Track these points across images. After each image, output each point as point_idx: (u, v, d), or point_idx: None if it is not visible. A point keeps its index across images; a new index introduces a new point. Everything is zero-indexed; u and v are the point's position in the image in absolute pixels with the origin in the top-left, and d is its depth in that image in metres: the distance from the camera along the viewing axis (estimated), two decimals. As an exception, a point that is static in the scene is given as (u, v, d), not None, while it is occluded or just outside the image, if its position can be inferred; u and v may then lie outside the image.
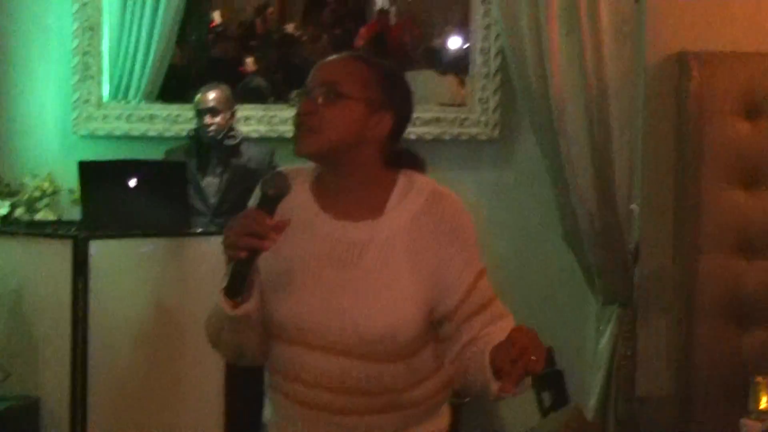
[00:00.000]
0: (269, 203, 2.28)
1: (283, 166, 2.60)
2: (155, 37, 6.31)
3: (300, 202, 2.43)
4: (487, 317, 2.36)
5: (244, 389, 5.06)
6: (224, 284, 2.30)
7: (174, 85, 6.74)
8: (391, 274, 2.34)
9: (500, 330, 2.24)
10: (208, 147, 5.70)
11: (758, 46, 4.28)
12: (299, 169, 2.49)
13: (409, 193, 2.42)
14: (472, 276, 2.37)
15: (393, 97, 2.43)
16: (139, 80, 6.37)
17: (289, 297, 2.39)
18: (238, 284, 2.26)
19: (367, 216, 2.40)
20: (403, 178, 2.44)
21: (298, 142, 2.37)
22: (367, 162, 2.41)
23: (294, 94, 2.43)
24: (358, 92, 2.37)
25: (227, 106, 5.70)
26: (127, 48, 6.32)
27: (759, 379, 3.62)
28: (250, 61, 8.01)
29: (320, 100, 2.35)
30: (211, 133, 5.64)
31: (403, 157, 2.49)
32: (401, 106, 2.46)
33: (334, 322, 2.34)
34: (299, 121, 2.38)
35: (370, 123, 2.39)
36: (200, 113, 5.65)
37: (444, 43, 7.19)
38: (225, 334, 2.40)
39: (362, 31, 7.90)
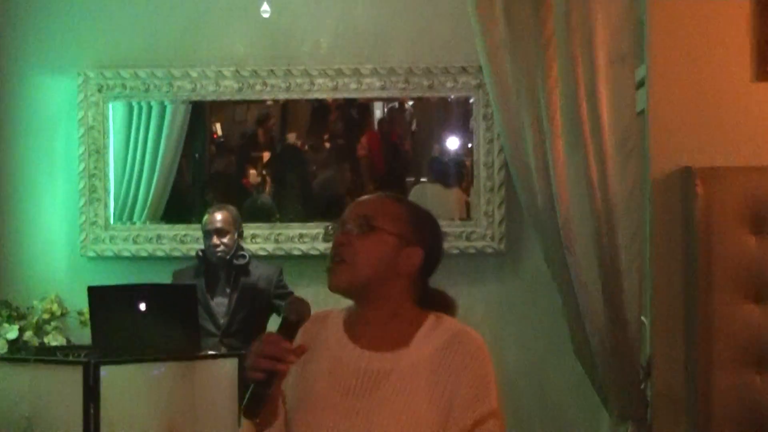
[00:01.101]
0: (290, 328, 2.38)
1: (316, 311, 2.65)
2: (160, 156, 6.39)
3: (331, 333, 2.53)
4: None
5: None
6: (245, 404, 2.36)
7: (178, 203, 6.78)
8: (409, 404, 2.37)
9: None
10: (216, 267, 5.72)
11: (762, 160, 4.31)
12: (333, 309, 2.59)
13: (435, 330, 2.48)
14: (479, 413, 2.40)
15: (423, 233, 2.54)
16: (144, 201, 6.42)
17: (307, 421, 2.43)
18: (255, 405, 2.32)
19: (393, 348, 2.46)
20: (432, 318, 2.52)
21: (332, 275, 2.47)
22: (397, 295, 2.49)
23: (329, 227, 2.56)
24: (391, 226, 2.47)
25: (234, 226, 5.74)
26: (132, 169, 6.38)
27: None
28: (253, 173, 8.04)
29: (354, 232, 2.45)
30: (219, 254, 5.66)
31: (434, 298, 2.57)
32: (431, 243, 2.55)
33: None
34: (333, 253, 2.48)
35: (401, 256, 2.48)
36: (208, 234, 5.69)
37: (447, 154, 7.23)
38: None
39: (363, 140, 7.93)
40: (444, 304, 2.59)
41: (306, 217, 6.51)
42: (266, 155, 8.05)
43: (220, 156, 8.00)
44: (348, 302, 2.58)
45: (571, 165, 4.44)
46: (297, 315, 2.40)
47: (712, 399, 4.17)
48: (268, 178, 7.89)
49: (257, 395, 2.31)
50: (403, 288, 2.50)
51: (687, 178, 4.30)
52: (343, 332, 2.52)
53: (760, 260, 4.21)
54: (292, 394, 2.48)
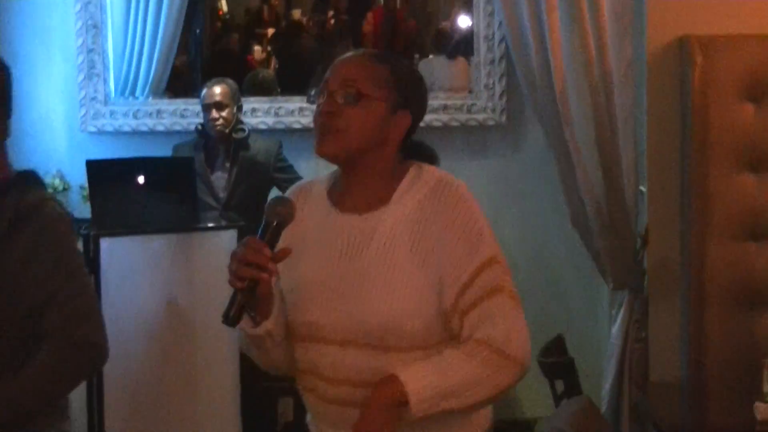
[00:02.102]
0: (272, 231, 2.31)
1: (302, 181, 2.65)
2: (160, 32, 6.33)
3: (316, 204, 2.49)
4: (482, 313, 2.34)
5: (257, 384, 5.10)
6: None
7: (181, 79, 6.76)
8: (393, 264, 2.35)
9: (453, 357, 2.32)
10: (215, 141, 5.72)
11: (761, 28, 4.26)
12: (317, 179, 2.55)
13: (416, 183, 2.42)
14: (475, 264, 2.35)
15: (411, 95, 2.46)
16: (146, 76, 6.39)
17: (301, 295, 2.43)
18: (236, 313, 2.27)
19: (375, 207, 2.42)
20: (413, 170, 2.46)
21: (320, 143, 2.39)
22: (383, 159, 2.44)
23: (312, 91, 2.47)
24: (379, 93, 2.41)
25: (233, 100, 5.71)
26: (132, 44, 6.34)
27: (770, 361, 3.63)
28: (258, 50, 8.01)
29: (341, 100, 2.38)
30: (218, 128, 5.65)
31: (415, 150, 2.52)
32: (418, 104, 2.49)
33: (341, 314, 2.36)
34: (321, 121, 2.40)
35: (391, 123, 2.42)
36: (207, 108, 5.67)
37: (451, 26, 7.17)
38: (254, 352, 2.46)
39: (369, 16, 7.88)
40: (425, 154, 2.54)
41: (306, 91, 6.46)
42: (270, 32, 8.02)
43: (225, 32, 7.98)
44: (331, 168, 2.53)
45: (567, 37, 4.41)
46: (278, 217, 2.31)
47: (706, 268, 4.19)
48: (272, 55, 7.87)
49: (238, 303, 2.26)
50: (390, 150, 2.45)
51: (684, 48, 4.25)
52: (327, 200, 2.48)
53: (758, 129, 4.19)
54: (285, 272, 2.43)
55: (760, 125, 4.19)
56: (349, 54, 2.51)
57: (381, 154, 2.43)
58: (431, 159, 2.54)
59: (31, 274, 2.79)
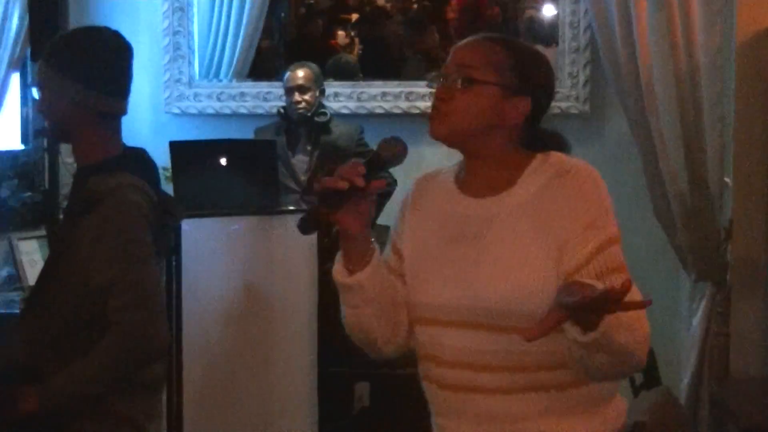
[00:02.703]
0: (376, 161, 2.30)
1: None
2: (245, 15, 6.38)
3: (441, 189, 2.47)
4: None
5: (335, 372, 5.12)
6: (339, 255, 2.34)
7: (264, 62, 6.79)
8: (515, 245, 2.30)
9: None
10: (297, 124, 5.74)
11: None
12: (446, 167, 2.51)
13: (542, 167, 2.37)
14: (597, 241, 2.26)
15: (530, 80, 2.40)
16: (230, 59, 6.43)
17: (421, 277, 2.42)
18: (310, 219, 2.27)
19: (498, 191, 2.38)
20: (541, 156, 2.40)
21: (431, 125, 2.37)
22: (500, 146, 2.39)
23: (430, 76, 2.43)
24: (493, 77, 2.36)
25: (316, 83, 5.73)
26: (217, 27, 6.39)
27: None
28: (341, 35, 8.02)
29: (455, 85, 2.34)
30: (300, 111, 5.67)
31: (546, 140, 2.44)
32: (540, 89, 2.42)
33: (462, 295, 2.33)
34: (433, 105, 2.38)
35: (505, 108, 2.37)
36: (289, 91, 5.69)
37: (537, 14, 7.12)
38: (345, 310, 2.42)
39: (453, 2, 7.85)
40: (556, 144, 2.44)
41: (389, 76, 6.46)
42: (354, 16, 8.03)
43: (309, 17, 8.00)
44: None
45: (653, 25, 4.36)
46: (388, 152, 2.30)
47: (792, 262, 4.13)
48: (356, 39, 7.88)
49: (312, 210, 2.27)
50: (507, 137, 2.39)
51: (774, 38, 4.20)
52: (453, 185, 2.45)
53: None
54: (408, 253, 2.44)
55: None
56: (468, 38, 2.45)
57: (498, 138, 2.38)
58: (561, 147, 2.45)
59: (97, 257, 2.81)
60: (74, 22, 5.44)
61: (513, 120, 2.37)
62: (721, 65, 4.32)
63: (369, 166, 2.28)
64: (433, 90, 2.39)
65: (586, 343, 2.09)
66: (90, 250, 2.83)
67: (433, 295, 2.38)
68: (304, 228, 2.28)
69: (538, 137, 2.44)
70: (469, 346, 2.32)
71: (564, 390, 2.32)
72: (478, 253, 2.33)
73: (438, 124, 2.36)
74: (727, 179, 4.42)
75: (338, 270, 2.37)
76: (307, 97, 5.67)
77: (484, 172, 2.41)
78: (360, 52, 7.77)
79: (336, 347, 5.35)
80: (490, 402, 2.32)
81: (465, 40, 2.44)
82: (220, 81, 6.39)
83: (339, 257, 2.37)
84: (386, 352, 2.48)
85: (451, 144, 2.40)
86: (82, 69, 2.92)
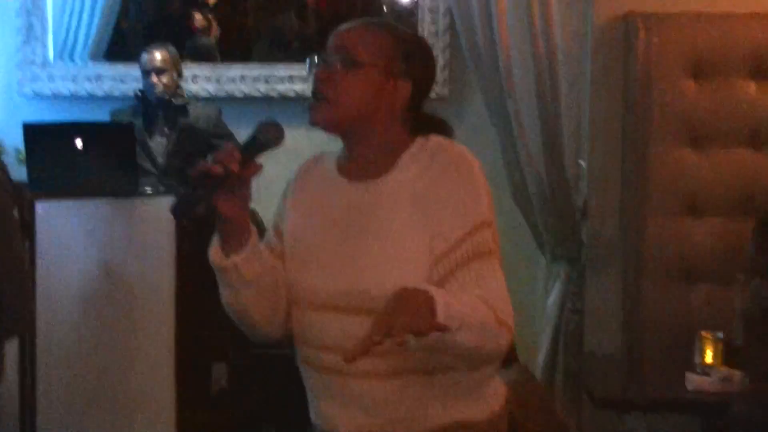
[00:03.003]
0: (253, 146, 2.24)
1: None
2: (101, -5, 6.27)
3: (324, 175, 2.43)
4: (473, 273, 2.23)
5: (193, 354, 5.08)
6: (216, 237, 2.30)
7: (121, 44, 6.68)
8: (393, 230, 2.29)
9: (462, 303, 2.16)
10: (155, 107, 5.68)
11: (705, 6, 4.31)
12: (332, 151, 2.47)
13: (422, 150, 2.35)
14: (467, 226, 2.25)
15: (412, 64, 2.36)
16: (86, 39, 6.31)
17: (300, 261, 2.39)
18: (183, 205, 2.23)
19: (378, 175, 2.36)
20: (420, 140, 2.37)
21: (312, 112, 2.33)
22: (383, 129, 2.36)
23: (310, 60, 2.37)
24: (375, 60, 2.33)
25: (174, 65, 5.67)
26: (72, 7, 6.26)
27: (704, 334, 3.70)
28: (198, 17, 7.93)
29: (336, 67, 2.31)
30: (158, 93, 5.61)
31: (428, 124, 2.42)
32: (421, 74, 2.39)
33: (340, 281, 2.31)
34: (314, 89, 2.34)
35: (387, 91, 2.34)
36: (146, 73, 5.62)
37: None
38: (224, 292, 2.38)
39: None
40: (438, 129, 2.41)
41: (248, 59, 6.43)
42: (212, -1, 7.96)
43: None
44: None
45: (513, 10, 4.42)
46: (265, 135, 2.24)
47: (644, 242, 4.25)
48: (213, 22, 7.80)
49: (186, 195, 2.21)
50: (390, 120, 2.36)
51: (629, 24, 4.29)
52: (335, 171, 2.42)
53: (699, 106, 4.25)
54: (288, 236, 2.42)
55: (701, 102, 4.25)
56: (350, 22, 2.42)
57: (379, 123, 2.35)
58: (444, 131, 2.43)
59: None
60: None
61: (395, 103, 2.34)
62: (578, 49, 4.40)
63: (246, 151, 2.24)
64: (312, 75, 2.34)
65: (420, 347, 2.11)
66: None
67: (311, 279, 2.36)
68: (178, 213, 2.24)
69: (420, 122, 2.41)
70: (346, 330, 2.29)
71: (442, 373, 2.31)
72: (356, 239, 2.32)
73: (321, 109, 2.32)
74: (581, 161, 4.51)
75: (214, 252, 2.32)
76: (164, 79, 5.61)
77: (365, 156, 2.38)
78: (217, 34, 7.71)
79: (195, 329, 5.34)
80: (368, 386, 2.31)
81: (346, 24, 2.41)
82: (76, 63, 6.27)
83: (215, 239, 2.33)
84: (267, 334, 2.45)
85: (332, 131, 2.36)
86: None
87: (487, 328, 2.18)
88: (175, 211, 2.24)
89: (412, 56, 2.38)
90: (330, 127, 2.35)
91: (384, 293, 2.21)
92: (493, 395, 2.42)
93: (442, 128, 2.43)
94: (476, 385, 2.37)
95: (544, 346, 4.59)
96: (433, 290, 2.12)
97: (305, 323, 2.38)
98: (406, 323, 2.02)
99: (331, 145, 2.50)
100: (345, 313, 2.31)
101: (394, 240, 2.28)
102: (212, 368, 5.67)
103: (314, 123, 2.33)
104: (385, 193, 2.33)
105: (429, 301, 2.09)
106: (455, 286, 2.22)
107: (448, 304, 2.10)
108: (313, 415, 2.45)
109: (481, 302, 2.19)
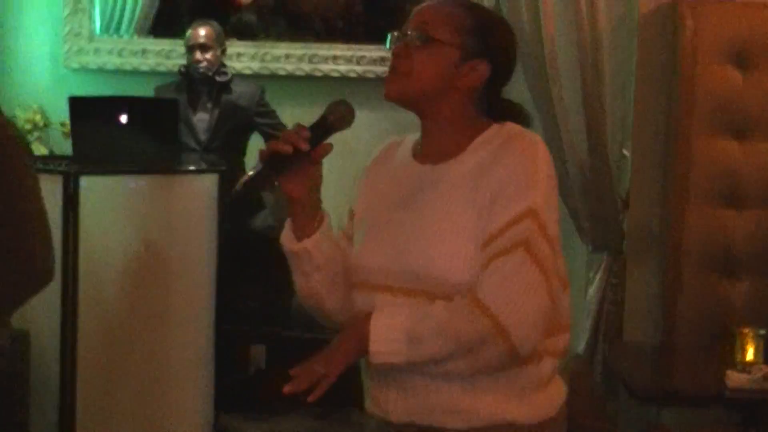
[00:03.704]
0: (321, 126, 2.25)
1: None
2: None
3: (400, 156, 2.43)
4: (501, 268, 2.17)
5: (231, 332, 5.11)
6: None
7: (166, 17, 6.70)
8: (449, 213, 2.26)
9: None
10: (198, 83, 5.70)
11: (752, -5, 4.27)
12: (410, 134, 2.46)
13: (495, 136, 2.31)
14: (516, 210, 2.19)
15: (491, 43, 2.33)
16: (132, 14, 6.34)
17: (361, 240, 2.38)
18: (250, 183, 2.23)
19: (447, 158, 2.33)
20: (495, 127, 2.33)
21: (386, 86, 2.32)
22: (457, 110, 2.33)
23: (390, 35, 2.37)
24: (452, 37, 2.30)
25: (218, 42, 5.69)
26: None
27: (745, 330, 3.62)
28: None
29: (413, 42, 2.30)
30: (201, 70, 5.63)
31: (506, 110, 2.38)
32: (500, 53, 2.35)
33: (392, 260, 2.29)
34: (391, 64, 2.34)
35: (463, 70, 2.30)
36: (191, 49, 5.65)
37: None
38: (296, 277, 2.38)
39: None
40: (516, 115, 2.38)
41: (293, 37, 6.44)
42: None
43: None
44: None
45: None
46: (334, 116, 2.24)
47: (685, 233, 4.21)
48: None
49: (255, 175, 2.21)
50: (464, 101, 2.32)
51: (674, 12, 4.25)
52: (409, 152, 2.41)
53: (743, 96, 4.20)
54: (357, 217, 2.42)
55: (745, 92, 4.20)
56: (430, 0, 2.40)
57: (454, 103, 2.32)
58: (522, 118, 2.39)
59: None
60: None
61: (471, 83, 2.31)
62: (623, 36, 4.37)
63: (314, 130, 2.23)
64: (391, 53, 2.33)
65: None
66: None
67: (368, 258, 2.34)
68: (240, 188, 2.24)
69: (499, 106, 2.38)
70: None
71: (487, 375, 2.26)
72: (413, 219, 2.29)
73: (393, 83, 2.31)
74: (625, 151, 4.49)
75: (286, 236, 2.33)
76: (208, 56, 5.63)
77: (438, 136, 2.36)
78: (259, 9, 7.71)
79: (235, 309, 5.37)
80: (420, 376, 2.26)
81: (428, 2, 2.39)
82: (122, 37, 6.29)
83: (288, 223, 2.33)
84: (340, 319, 2.41)
85: (405, 105, 2.34)
86: None
87: (466, 340, 2.17)
88: (240, 191, 2.24)
89: (492, 36, 2.34)
90: (402, 100, 2.33)
91: (433, 274, 2.23)
92: (546, 400, 2.35)
93: (521, 115, 2.40)
94: (529, 387, 2.29)
95: (584, 336, 4.57)
96: (376, 315, 2.22)
97: (361, 304, 2.35)
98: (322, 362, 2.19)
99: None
100: (397, 294, 2.28)
101: (446, 223, 2.25)
102: (250, 349, 5.71)
103: (387, 95, 2.32)
104: (449, 176, 2.30)
105: (361, 339, 2.21)
106: (484, 276, 2.18)
107: (389, 327, 2.19)
108: (367, 402, 2.43)
109: (472, 308, 2.17)
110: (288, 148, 2.20)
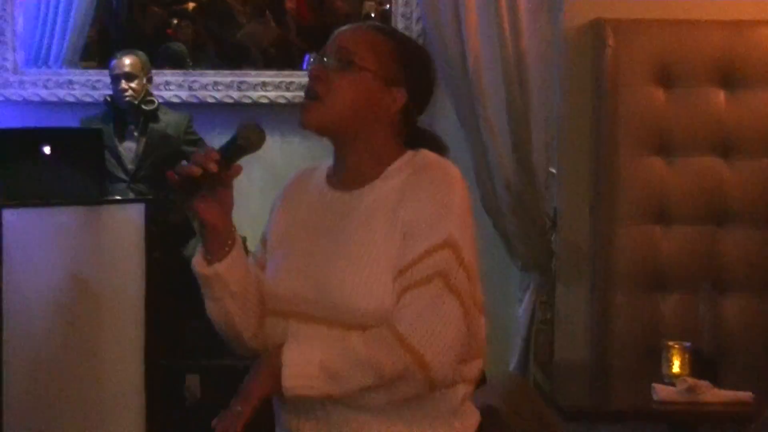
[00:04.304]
0: (231, 148, 2.21)
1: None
2: (75, 1, 6.22)
3: (314, 184, 2.40)
4: (419, 299, 2.16)
5: (164, 363, 5.05)
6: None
7: (97, 49, 6.66)
8: (366, 241, 2.23)
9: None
10: (125, 113, 5.65)
11: (672, 13, 4.30)
12: (324, 162, 2.44)
13: (409, 163, 2.29)
14: (431, 241, 2.17)
15: (410, 73, 2.32)
16: (60, 45, 6.27)
17: (276, 267, 2.35)
18: (160, 210, 2.22)
19: (362, 184, 2.31)
20: (409, 154, 2.32)
21: (303, 111, 2.29)
22: (376, 136, 2.31)
23: (308, 57, 2.33)
24: (372, 64, 2.28)
25: (143, 71, 5.65)
26: (46, 12, 6.22)
27: (671, 343, 3.68)
28: (177, 24, 7.91)
29: (332, 66, 2.27)
30: (127, 99, 5.58)
31: (422, 139, 2.36)
32: (418, 82, 2.34)
33: (309, 287, 2.26)
34: (308, 87, 2.30)
35: (381, 98, 2.29)
36: (116, 78, 5.60)
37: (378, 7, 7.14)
38: (207, 302, 2.33)
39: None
40: (431, 144, 2.35)
41: (221, 65, 6.40)
42: (192, 5, 7.94)
43: (145, 4, 7.87)
44: None
45: (482, 15, 4.40)
46: (244, 140, 2.20)
47: (614, 251, 4.23)
48: (192, 29, 7.78)
49: (163, 200, 2.23)
50: (383, 128, 2.30)
51: (598, 30, 4.27)
52: (324, 180, 2.39)
53: (667, 113, 4.24)
54: (270, 244, 2.39)
55: (669, 109, 4.24)
56: (352, 24, 2.39)
57: (370, 130, 2.30)
58: (437, 147, 2.36)
59: None
60: None
61: (388, 111, 2.30)
62: (548, 55, 4.38)
63: (225, 153, 2.20)
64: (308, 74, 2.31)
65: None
66: None
67: (283, 285, 2.31)
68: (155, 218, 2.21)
69: (414, 135, 2.36)
70: (309, 340, 2.25)
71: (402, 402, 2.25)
72: (328, 247, 2.27)
73: (310, 110, 2.28)
74: (552, 169, 4.49)
75: (197, 261, 2.29)
76: (134, 84, 5.59)
77: (352, 164, 2.33)
78: (194, 40, 7.70)
79: (167, 339, 5.30)
80: (331, 404, 2.24)
81: (349, 25, 2.38)
82: (50, 68, 6.23)
83: (199, 247, 2.29)
84: (253, 346, 2.36)
85: (321, 133, 2.32)
86: None
87: (387, 374, 2.15)
88: (152, 216, 2.21)
89: (412, 65, 2.33)
90: (319, 128, 2.31)
91: (350, 303, 2.21)
92: (461, 425, 2.32)
93: (436, 144, 2.38)
94: (443, 414, 2.27)
95: (514, 356, 4.56)
96: (289, 349, 2.20)
97: (274, 332, 2.32)
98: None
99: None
100: (312, 322, 2.25)
101: (362, 252, 2.23)
102: (185, 380, 5.64)
103: (305, 124, 2.30)
104: (363, 204, 2.29)
105: (274, 373, 2.19)
106: (401, 307, 2.17)
107: (303, 362, 2.18)
108: (277, 428, 2.40)
109: (388, 337, 2.15)
110: (197, 170, 2.16)
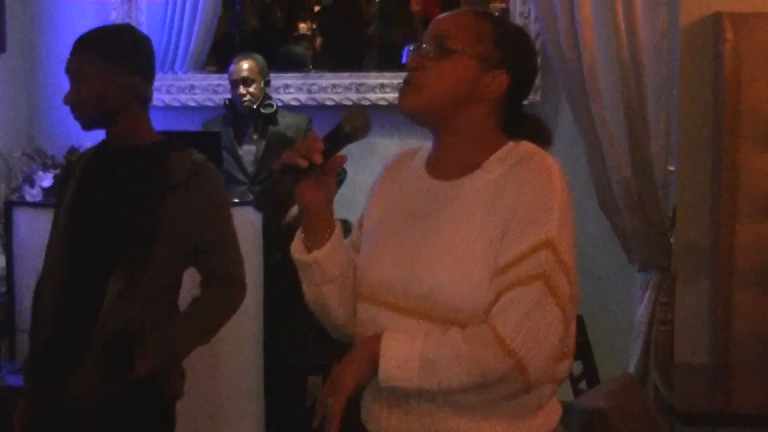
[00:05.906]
0: (336, 136, 2.22)
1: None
2: (200, 5, 6.31)
3: (413, 168, 2.37)
4: (517, 302, 2.11)
5: (286, 363, 5.06)
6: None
7: (221, 53, 6.75)
8: (463, 233, 2.19)
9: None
10: (244, 116, 5.71)
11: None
12: (425, 145, 2.39)
13: (510, 154, 2.24)
14: (531, 240, 2.12)
15: (510, 54, 2.26)
16: (185, 50, 6.37)
17: (369, 253, 2.34)
18: (266, 197, 2.24)
19: (462, 174, 2.27)
20: (511, 144, 2.26)
21: (400, 98, 2.27)
22: (477, 122, 2.26)
23: (410, 47, 2.30)
24: (470, 47, 2.24)
25: (261, 75, 5.70)
26: (172, 18, 6.32)
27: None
28: (303, 27, 7.99)
29: (428, 54, 2.24)
30: (245, 103, 5.64)
31: (525, 125, 2.31)
32: (520, 65, 2.28)
33: (400, 276, 2.23)
34: (406, 76, 2.27)
35: (482, 82, 2.24)
36: (234, 83, 5.67)
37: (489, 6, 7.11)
38: (305, 287, 2.34)
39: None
40: (535, 132, 2.29)
41: (339, 68, 6.43)
42: (317, 7, 8.02)
43: (270, 7, 7.97)
44: None
45: (597, 11, 4.34)
46: (349, 126, 2.21)
47: (734, 249, 4.14)
48: (317, 31, 7.85)
49: (270, 187, 2.24)
50: (483, 114, 2.25)
51: (716, 25, 4.18)
52: (423, 165, 2.35)
53: (790, 108, 4.12)
54: (366, 228, 2.39)
55: (791, 104, 4.11)
56: (449, 12, 2.35)
57: (470, 115, 2.25)
58: (540, 133, 2.30)
59: (203, 219, 3.12)
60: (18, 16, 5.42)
61: (488, 95, 2.24)
62: (664, 52, 4.30)
63: (330, 140, 2.21)
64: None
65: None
66: (197, 212, 3.10)
67: (374, 271, 2.29)
68: (261, 204, 2.24)
69: (519, 120, 2.30)
70: (399, 330, 2.21)
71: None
72: (426, 238, 2.23)
73: (407, 96, 2.25)
74: (671, 167, 4.40)
75: (296, 246, 2.30)
76: (251, 89, 5.64)
77: (452, 151, 2.29)
78: (321, 43, 7.76)
79: (289, 340, 5.33)
80: (415, 393, 2.20)
81: (445, 13, 2.34)
82: (175, 73, 6.33)
83: (299, 233, 2.30)
84: (348, 332, 2.36)
85: (419, 119, 2.28)
86: (133, 58, 3.12)
87: (489, 376, 2.11)
88: (259, 202, 2.23)
89: (511, 47, 2.28)
90: (415, 114, 2.27)
91: (439, 296, 2.17)
92: (542, 421, 2.28)
93: (539, 130, 2.32)
94: (529, 411, 2.25)
95: (634, 358, 4.48)
96: (388, 337, 2.16)
97: (364, 318, 2.30)
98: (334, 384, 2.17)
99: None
100: (401, 312, 2.23)
101: (458, 245, 2.18)
102: (307, 381, 5.67)
103: (401, 110, 2.26)
104: (462, 195, 2.24)
105: (371, 356, 2.16)
106: (502, 309, 2.12)
107: (403, 354, 2.14)
108: (363, 413, 2.37)
109: (485, 337, 2.11)
110: (302, 162, 2.17)
